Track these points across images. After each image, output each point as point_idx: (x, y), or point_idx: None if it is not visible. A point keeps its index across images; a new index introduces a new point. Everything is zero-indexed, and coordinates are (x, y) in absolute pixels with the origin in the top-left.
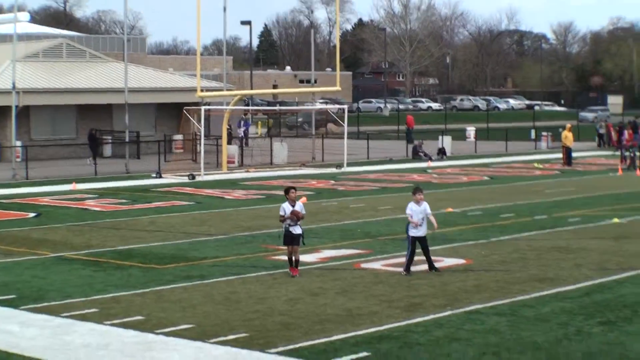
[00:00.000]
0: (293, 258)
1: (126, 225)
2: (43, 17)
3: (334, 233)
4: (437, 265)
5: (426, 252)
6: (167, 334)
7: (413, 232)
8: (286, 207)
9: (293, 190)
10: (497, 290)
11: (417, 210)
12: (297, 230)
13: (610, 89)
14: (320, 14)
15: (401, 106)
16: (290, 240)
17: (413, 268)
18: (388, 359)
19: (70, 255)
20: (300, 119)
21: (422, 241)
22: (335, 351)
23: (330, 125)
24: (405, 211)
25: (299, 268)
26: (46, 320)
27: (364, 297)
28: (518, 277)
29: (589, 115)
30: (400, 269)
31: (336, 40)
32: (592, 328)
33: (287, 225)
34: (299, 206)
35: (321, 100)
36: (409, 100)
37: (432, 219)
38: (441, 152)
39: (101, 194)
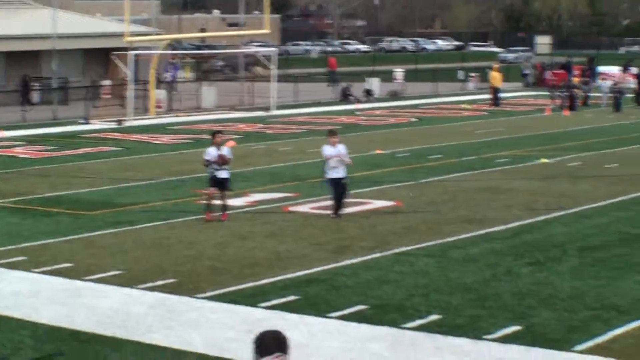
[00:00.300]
0: (212, 202)
1: (54, 172)
2: None
3: (263, 176)
4: (366, 207)
5: (340, 195)
6: (96, 281)
7: (330, 174)
8: (212, 151)
9: (219, 135)
10: (426, 232)
11: (332, 153)
12: (223, 174)
13: (539, 30)
14: None
15: (329, 48)
16: (215, 184)
17: (341, 211)
18: (316, 302)
19: None
20: (219, 63)
21: (339, 183)
22: (264, 295)
23: (258, 69)
24: (322, 154)
25: (228, 212)
26: None
27: (292, 241)
28: (447, 219)
29: (509, 55)
30: (329, 212)
31: None
32: (521, 268)
33: (213, 170)
34: (226, 150)
35: (257, 44)
36: (337, 42)
37: (347, 159)
38: (368, 94)
39: (29, 141)
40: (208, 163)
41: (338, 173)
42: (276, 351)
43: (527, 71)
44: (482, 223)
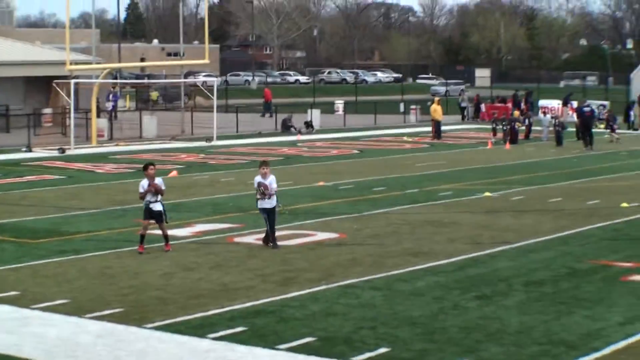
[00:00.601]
0: (145, 234)
1: None
2: None
3: (206, 207)
4: (311, 239)
5: (271, 225)
6: (43, 309)
7: (261, 204)
8: (144, 184)
9: (152, 167)
10: (371, 265)
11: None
12: (157, 207)
13: (478, 63)
14: None
15: (269, 79)
16: (150, 216)
17: (286, 242)
18: (265, 334)
19: None
20: (152, 92)
21: (270, 213)
22: (211, 326)
23: (199, 99)
24: (254, 184)
25: (171, 243)
26: None
27: (238, 272)
28: (392, 251)
29: (439, 89)
30: (271, 244)
31: (205, 13)
32: (468, 302)
33: (148, 202)
34: (159, 181)
35: (204, 74)
36: (276, 73)
37: (273, 191)
38: (309, 126)
39: None
40: (143, 195)
41: (268, 203)
42: None
43: (464, 104)
44: (427, 256)
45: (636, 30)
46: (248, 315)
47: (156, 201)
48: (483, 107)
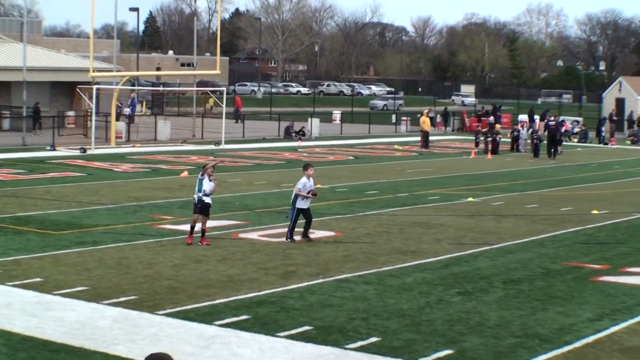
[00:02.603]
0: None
1: (24, 193)
2: None
3: (214, 205)
4: (310, 236)
5: (309, 223)
6: (64, 295)
7: (300, 204)
8: (303, 182)
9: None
10: (364, 261)
11: (308, 185)
12: (207, 200)
13: (464, 79)
14: (201, 3)
15: (273, 90)
16: (200, 210)
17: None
18: (266, 322)
19: None
20: (209, 99)
21: (307, 213)
22: (218, 313)
23: (211, 101)
24: (297, 185)
25: (181, 237)
26: None
27: (242, 265)
28: (383, 249)
29: (378, 103)
30: (276, 239)
31: (217, 28)
32: (452, 297)
33: (200, 197)
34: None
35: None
36: (280, 84)
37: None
38: (303, 134)
39: (0, 164)
40: (302, 194)
41: (306, 204)
42: None
43: (431, 114)
44: (415, 255)
45: (608, 54)
46: (251, 304)
47: (207, 195)
48: (468, 120)
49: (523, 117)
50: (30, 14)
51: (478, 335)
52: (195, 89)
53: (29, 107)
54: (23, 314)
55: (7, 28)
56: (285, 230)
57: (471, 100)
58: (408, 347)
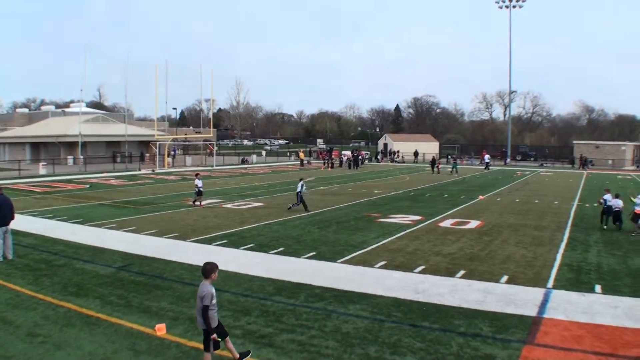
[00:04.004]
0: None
1: (128, 190)
2: (91, 104)
3: (211, 192)
4: (251, 205)
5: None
6: (146, 234)
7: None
8: (198, 182)
9: (199, 172)
10: (277, 216)
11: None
12: (199, 186)
13: (319, 137)
14: (204, 104)
15: (237, 143)
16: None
17: (240, 208)
18: (235, 242)
19: None
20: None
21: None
22: (213, 240)
23: (210, 147)
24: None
25: (197, 205)
26: None
27: (224, 219)
28: (286, 211)
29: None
30: (239, 207)
31: (210, 115)
32: (314, 229)
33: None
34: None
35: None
36: (239, 141)
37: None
38: (246, 162)
39: (116, 177)
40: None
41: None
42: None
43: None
44: (298, 212)
45: (380, 124)
46: (227, 235)
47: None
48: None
49: (347, 152)
50: (128, 110)
51: (325, 246)
52: (202, 142)
53: (130, 153)
54: (126, 243)
55: (116, 117)
56: (242, 207)
57: (322, 145)
58: (296, 252)
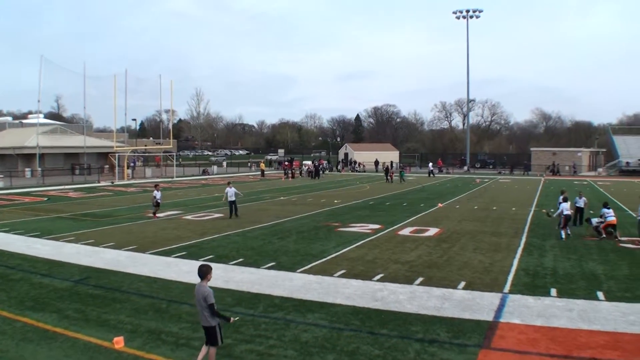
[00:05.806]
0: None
1: (87, 202)
2: (48, 116)
3: (171, 203)
4: (211, 217)
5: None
6: (104, 247)
7: (229, 199)
8: (157, 194)
9: (158, 185)
10: (235, 228)
11: (231, 192)
12: (159, 198)
13: (280, 147)
14: (163, 115)
15: (197, 153)
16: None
17: (202, 219)
18: (194, 254)
19: None
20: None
21: (235, 204)
22: (172, 252)
23: (169, 159)
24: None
25: (156, 218)
26: None
27: (184, 230)
28: (245, 221)
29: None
30: (198, 219)
31: (170, 126)
32: (274, 240)
33: (157, 202)
34: (159, 194)
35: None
36: (200, 151)
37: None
38: (207, 173)
39: (77, 190)
40: (156, 200)
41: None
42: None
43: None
44: (261, 222)
45: (341, 133)
46: (187, 247)
47: (158, 202)
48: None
49: (308, 162)
50: (88, 121)
51: (285, 256)
52: (162, 153)
53: (88, 165)
54: (85, 256)
55: (74, 128)
56: (202, 218)
57: (282, 157)
58: (255, 263)
